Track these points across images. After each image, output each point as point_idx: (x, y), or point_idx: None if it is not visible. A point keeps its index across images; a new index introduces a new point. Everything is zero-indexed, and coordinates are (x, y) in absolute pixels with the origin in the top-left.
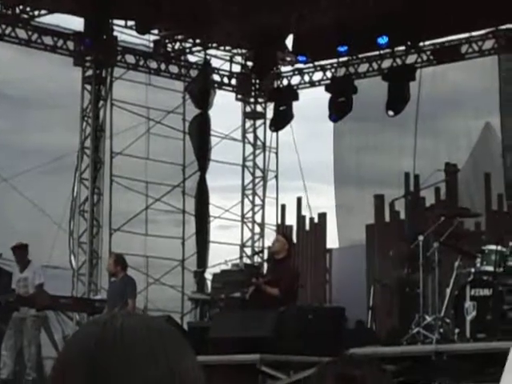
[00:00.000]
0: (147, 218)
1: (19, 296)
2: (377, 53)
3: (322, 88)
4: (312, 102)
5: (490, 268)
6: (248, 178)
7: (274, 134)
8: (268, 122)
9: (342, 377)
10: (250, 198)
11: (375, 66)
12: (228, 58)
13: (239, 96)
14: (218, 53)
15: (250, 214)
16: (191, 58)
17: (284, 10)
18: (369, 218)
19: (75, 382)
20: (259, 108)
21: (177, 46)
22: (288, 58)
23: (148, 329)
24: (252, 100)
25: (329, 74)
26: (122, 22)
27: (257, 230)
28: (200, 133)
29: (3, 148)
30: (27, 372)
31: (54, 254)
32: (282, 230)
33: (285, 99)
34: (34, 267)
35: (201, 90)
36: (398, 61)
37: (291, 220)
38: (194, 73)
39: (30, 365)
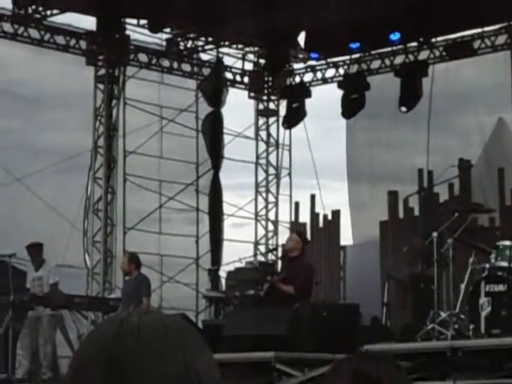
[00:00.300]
0: (161, 217)
1: (33, 295)
2: (389, 49)
3: (335, 85)
4: (325, 98)
5: (505, 263)
6: (261, 175)
7: (287, 131)
8: (281, 120)
9: (356, 373)
10: (264, 195)
11: (388, 62)
12: (240, 55)
13: (252, 94)
14: (231, 51)
15: (263, 212)
16: (204, 57)
17: (296, 8)
18: (382, 215)
19: (93, 380)
20: (272, 105)
21: (189, 44)
22: (300, 55)
23: (165, 326)
24: (265, 97)
25: (341, 71)
26: (134, 21)
27: (270, 227)
28: (213, 131)
29: (16, 148)
30: (42, 371)
31: (69, 253)
32: (296, 227)
33: (297, 96)
34: (49, 266)
35: (213, 88)
36: (411, 57)
37: (305, 217)
38: (206, 71)
39: (45, 364)
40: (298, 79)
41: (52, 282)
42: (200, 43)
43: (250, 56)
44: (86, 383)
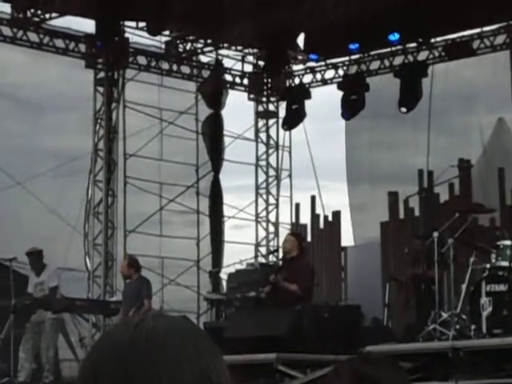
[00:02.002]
0: (161, 219)
1: (35, 299)
2: (388, 50)
3: (334, 86)
4: (324, 100)
5: (506, 263)
6: (262, 177)
7: (287, 132)
8: (281, 121)
9: (357, 375)
10: (264, 197)
11: (387, 63)
12: (240, 57)
13: (251, 95)
14: (230, 53)
15: (264, 214)
16: (203, 59)
17: (295, 9)
18: (383, 216)
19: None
20: (271, 107)
21: (188, 46)
22: (300, 57)
23: (180, 331)
24: (264, 99)
25: (341, 72)
26: (133, 24)
27: (271, 229)
28: (213, 133)
29: (17, 152)
30: (45, 375)
31: (70, 256)
32: (294, 229)
33: (297, 98)
34: (50, 271)
35: (213, 90)
36: (410, 57)
37: (305, 219)
38: (206, 73)
39: (47, 367)
40: (297, 81)
41: (51, 285)
42: (199, 45)
43: (250, 58)
44: None
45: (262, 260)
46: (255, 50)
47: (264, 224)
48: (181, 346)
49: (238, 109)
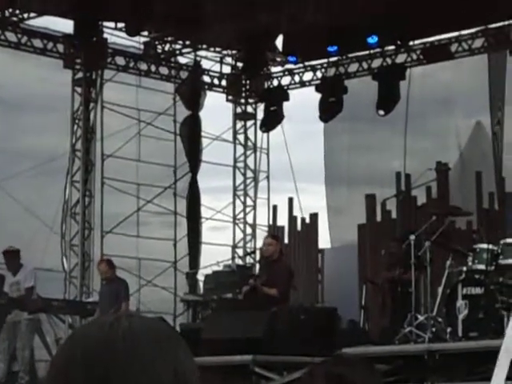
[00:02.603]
0: (139, 220)
1: (11, 298)
2: (367, 52)
3: (313, 88)
4: (302, 102)
5: (482, 266)
6: (239, 178)
7: (265, 134)
8: (259, 123)
9: (332, 377)
10: (242, 198)
11: (365, 65)
12: (218, 59)
13: (230, 97)
14: (208, 54)
15: (241, 215)
16: (181, 60)
17: (274, 11)
18: (360, 218)
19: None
20: (250, 109)
21: (167, 47)
22: (278, 59)
23: (156, 330)
24: (242, 101)
25: (319, 74)
26: (111, 24)
27: (248, 230)
28: (191, 134)
29: None
30: (20, 375)
31: (47, 256)
32: (271, 231)
33: (275, 100)
34: (26, 270)
35: (191, 91)
36: (388, 60)
37: (283, 221)
38: (184, 74)
39: (23, 368)
40: (275, 82)
41: (27, 286)
42: (178, 46)
43: (228, 59)
44: None
45: (239, 262)
46: (234, 52)
47: (241, 226)
48: (156, 345)
49: (216, 110)
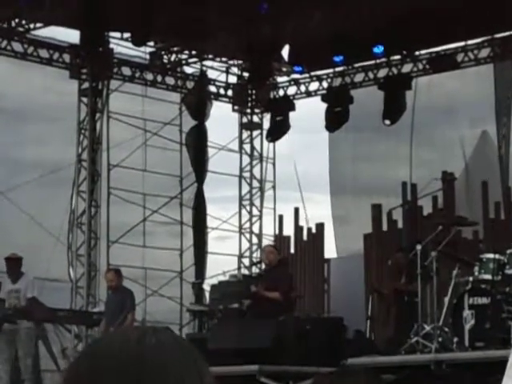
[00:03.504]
0: (145, 230)
1: (16, 309)
2: (372, 62)
3: (319, 98)
4: (308, 112)
5: (488, 276)
6: (245, 188)
7: (271, 144)
8: (265, 133)
9: None
10: (248, 208)
11: (371, 75)
12: (224, 69)
13: (236, 107)
14: (214, 64)
15: (247, 225)
16: (187, 70)
17: (280, 21)
18: (366, 228)
19: None
20: (256, 119)
21: (173, 57)
22: (284, 69)
23: (180, 345)
24: (248, 111)
25: (325, 84)
26: (117, 35)
27: (254, 240)
28: (197, 144)
29: (0, 161)
30: None
31: (53, 266)
32: (275, 240)
33: (281, 110)
34: (27, 280)
35: (197, 101)
36: (394, 70)
37: (289, 230)
38: (190, 84)
39: (27, 377)
40: (281, 92)
41: (30, 295)
42: (184, 56)
43: (234, 69)
44: None
45: (244, 271)
46: (240, 62)
47: (247, 235)
48: (183, 359)
49: (222, 120)
